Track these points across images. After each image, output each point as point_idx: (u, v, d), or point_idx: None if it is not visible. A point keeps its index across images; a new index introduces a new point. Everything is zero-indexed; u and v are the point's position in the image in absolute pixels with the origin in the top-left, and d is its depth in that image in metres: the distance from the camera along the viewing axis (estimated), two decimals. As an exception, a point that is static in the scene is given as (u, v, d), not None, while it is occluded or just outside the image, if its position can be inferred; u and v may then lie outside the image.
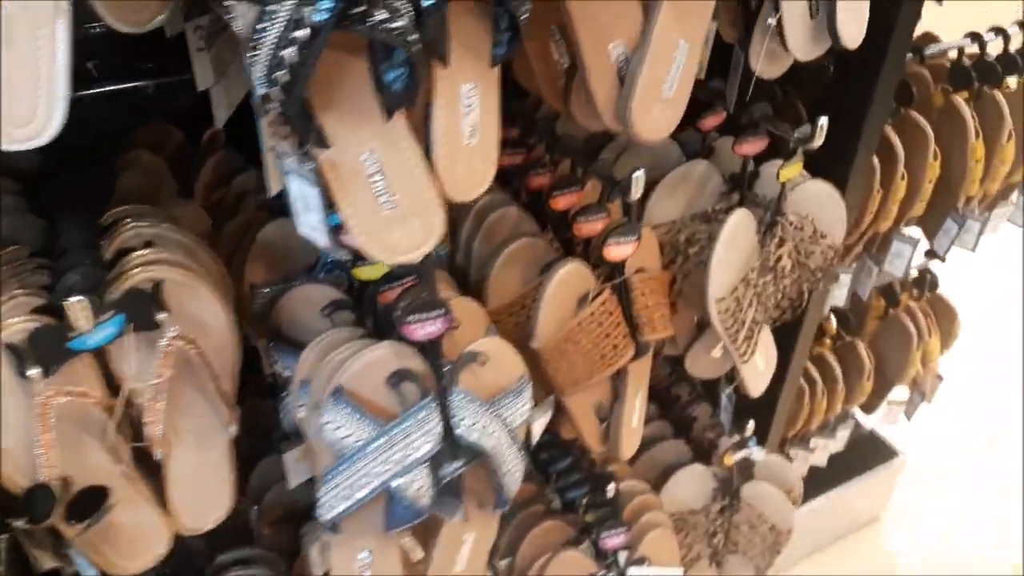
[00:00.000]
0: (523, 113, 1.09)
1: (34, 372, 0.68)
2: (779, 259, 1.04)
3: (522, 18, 0.62)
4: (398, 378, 0.81)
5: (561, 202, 0.97)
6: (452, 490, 0.86)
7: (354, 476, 0.80)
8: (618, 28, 0.74)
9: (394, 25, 0.55)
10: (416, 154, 0.63)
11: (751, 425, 1.29)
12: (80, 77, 0.57)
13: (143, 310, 0.73)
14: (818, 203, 1.07)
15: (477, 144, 0.66)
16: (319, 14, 0.51)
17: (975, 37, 1.29)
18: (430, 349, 0.81)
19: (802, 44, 0.89)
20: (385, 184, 0.62)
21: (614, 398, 1.05)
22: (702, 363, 1.20)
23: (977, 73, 1.32)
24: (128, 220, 0.82)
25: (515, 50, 0.64)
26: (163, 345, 0.75)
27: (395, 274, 0.83)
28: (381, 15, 0.54)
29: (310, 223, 0.62)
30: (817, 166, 1.11)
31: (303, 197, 0.61)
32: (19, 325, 0.68)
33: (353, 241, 0.63)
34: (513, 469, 0.87)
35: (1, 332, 0.68)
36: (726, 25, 0.95)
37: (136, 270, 0.75)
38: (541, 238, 0.97)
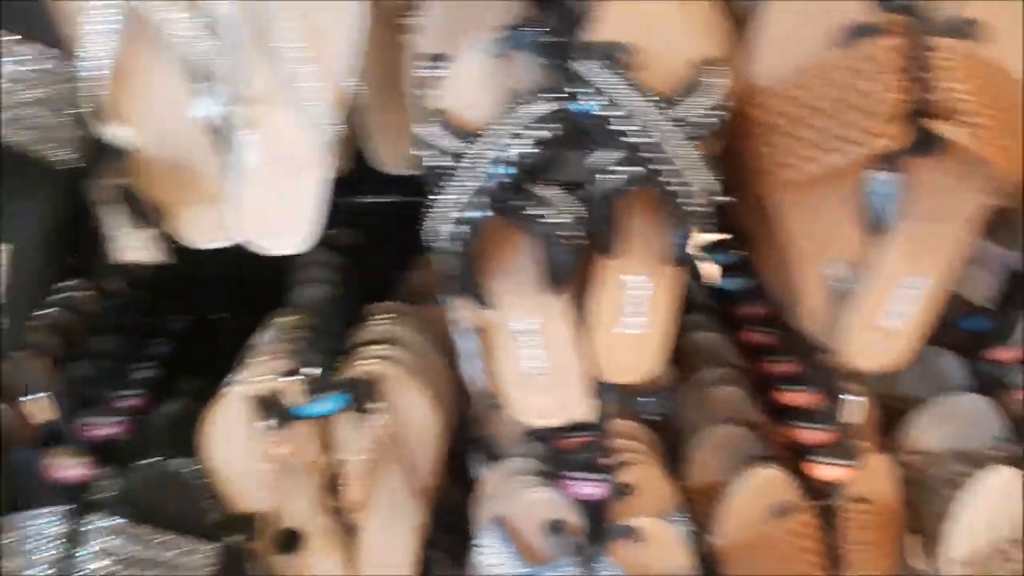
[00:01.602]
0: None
1: (263, 424, 0.84)
2: (1051, 537, 0.86)
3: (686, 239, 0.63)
4: (553, 527, 0.84)
5: (786, 397, 0.92)
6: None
7: (494, 608, 0.84)
8: (834, 247, 0.70)
9: (553, 221, 0.60)
10: (572, 331, 0.67)
11: None
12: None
13: (361, 397, 0.87)
14: None
15: (640, 334, 0.68)
16: (478, 209, 0.59)
17: None
18: (588, 511, 0.83)
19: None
20: (539, 352, 0.67)
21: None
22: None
23: None
24: (380, 316, 0.97)
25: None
26: (373, 430, 0.87)
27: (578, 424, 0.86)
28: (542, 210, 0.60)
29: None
30: None
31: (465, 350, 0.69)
32: (266, 384, 0.85)
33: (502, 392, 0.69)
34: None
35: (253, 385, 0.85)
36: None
37: (366, 362, 0.89)
38: (746, 427, 0.92)
